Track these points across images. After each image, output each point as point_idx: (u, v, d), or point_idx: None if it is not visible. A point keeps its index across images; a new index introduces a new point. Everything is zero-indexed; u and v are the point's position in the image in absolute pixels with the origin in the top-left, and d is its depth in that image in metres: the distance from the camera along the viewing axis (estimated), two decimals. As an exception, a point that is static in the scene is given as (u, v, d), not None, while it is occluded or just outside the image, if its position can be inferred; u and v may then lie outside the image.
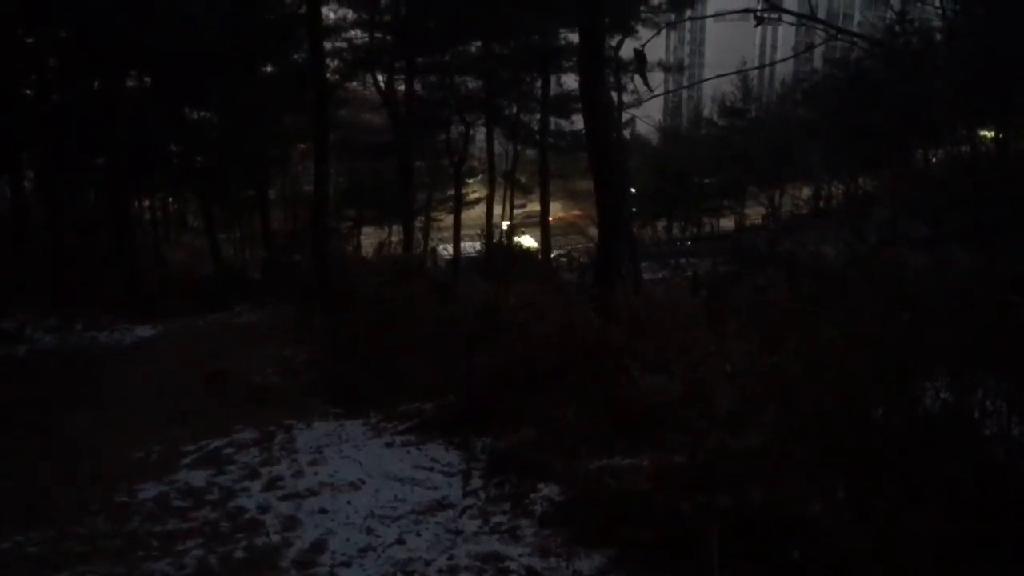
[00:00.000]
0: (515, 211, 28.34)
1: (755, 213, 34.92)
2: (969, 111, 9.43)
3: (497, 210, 24.36)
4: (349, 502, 4.45)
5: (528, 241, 28.00)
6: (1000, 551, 2.92)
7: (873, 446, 3.62)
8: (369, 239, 27.41)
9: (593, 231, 17.55)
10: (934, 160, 15.83)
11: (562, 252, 25.64)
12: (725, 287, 10.53)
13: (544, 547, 3.72)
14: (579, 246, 26.10)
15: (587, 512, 4.01)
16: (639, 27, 19.68)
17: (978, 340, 3.56)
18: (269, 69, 18.93)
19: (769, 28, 45.31)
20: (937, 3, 8.59)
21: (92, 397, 7.14)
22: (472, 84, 21.12)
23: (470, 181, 28.50)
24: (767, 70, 38.52)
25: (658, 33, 14.86)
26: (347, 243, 23.89)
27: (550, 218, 24.56)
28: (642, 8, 20.00)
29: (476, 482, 4.63)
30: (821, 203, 30.79)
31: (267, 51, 17.58)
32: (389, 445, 5.41)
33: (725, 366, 5.26)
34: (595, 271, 8.81)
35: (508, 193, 26.37)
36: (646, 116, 26.46)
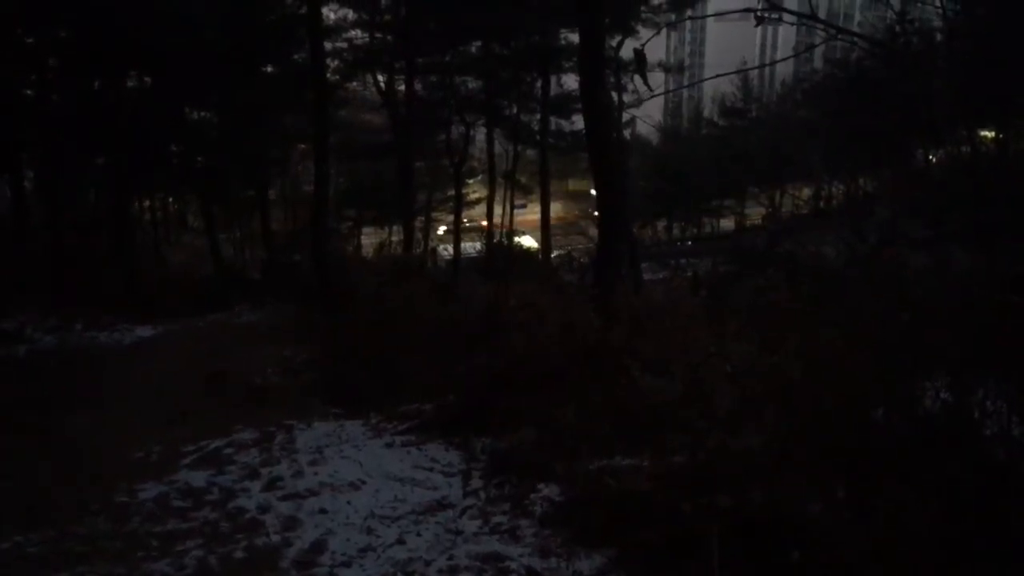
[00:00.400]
0: (515, 212, 28.35)
1: (755, 213, 34.93)
2: (969, 111, 9.42)
3: (497, 210, 24.37)
4: (349, 502, 4.46)
5: (528, 241, 28.01)
6: (1000, 551, 2.92)
7: (873, 446, 3.62)
8: (369, 239, 27.41)
9: (593, 231, 17.57)
10: (934, 160, 15.82)
11: (562, 252, 25.65)
12: (725, 287, 10.53)
13: (544, 547, 3.72)
14: (579, 246, 26.13)
15: (587, 512, 4.01)
16: (639, 27, 19.70)
17: (978, 340, 3.56)
18: (269, 69, 18.92)
19: (769, 28, 45.33)
20: (937, 3, 8.57)
21: (92, 397, 7.14)
22: (472, 84, 21.12)
23: (470, 181, 28.50)
24: (767, 70, 38.54)
25: (658, 33, 14.85)
26: (347, 243, 23.87)
27: (481, 223, 24.55)
28: (642, 8, 20.00)
29: (476, 482, 4.63)
30: (821, 203, 30.79)
31: (267, 51, 17.56)
32: (389, 445, 5.41)
33: (725, 366, 5.27)
34: (595, 271, 8.81)
35: (508, 193, 26.39)
36: (646, 116, 26.44)
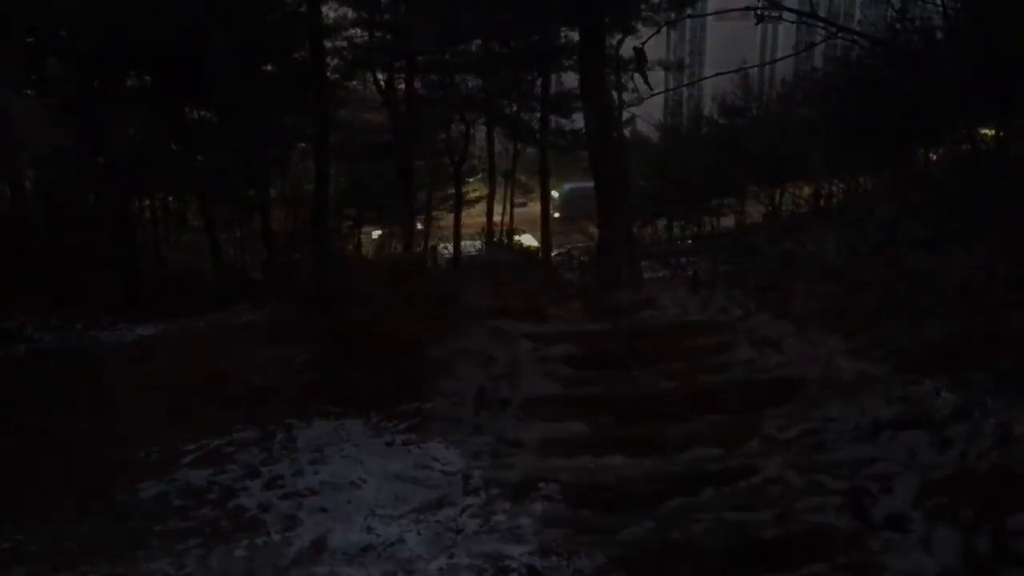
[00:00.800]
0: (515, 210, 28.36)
1: (755, 212, 34.86)
2: (969, 111, 9.41)
3: (498, 209, 24.41)
4: (349, 501, 4.45)
5: (528, 240, 28.02)
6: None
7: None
8: (369, 239, 27.40)
9: (593, 230, 17.57)
10: (934, 159, 15.80)
11: (562, 250, 25.66)
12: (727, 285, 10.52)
13: (545, 546, 3.71)
14: (579, 244, 26.13)
15: (588, 511, 4.01)
16: (639, 25, 19.70)
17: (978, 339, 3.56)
18: (269, 68, 18.91)
19: (770, 26, 45.23)
20: (938, 1, 8.56)
21: (92, 397, 7.12)
22: (472, 83, 21.14)
23: (470, 180, 28.52)
24: (767, 69, 38.45)
25: (658, 31, 14.79)
26: (347, 243, 23.85)
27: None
28: (642, 6, 20.01)
29: (477, 481, 4.62)
30: (822, 202, 30.73)
31: (267, 50, 17.55)
32: (389, 444, 5.40)
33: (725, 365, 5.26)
34: (595, 270, 8.81)
35: (508, 192, 26.40)
36: (646, 115, 26.44)
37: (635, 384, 5.87)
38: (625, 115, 20.47)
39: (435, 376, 6.42)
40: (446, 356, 6.74)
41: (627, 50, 18.20)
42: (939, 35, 10.64)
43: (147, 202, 23.44)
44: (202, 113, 18.96)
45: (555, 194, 39.54)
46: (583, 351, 6.69)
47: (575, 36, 17.04)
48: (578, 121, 20.22)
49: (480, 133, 23.30)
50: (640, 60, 6.99)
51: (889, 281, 5.53)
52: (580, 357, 6.57)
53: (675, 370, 5.93)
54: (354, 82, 21.01)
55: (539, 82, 21.52)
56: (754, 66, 37.46)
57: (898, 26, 11.35)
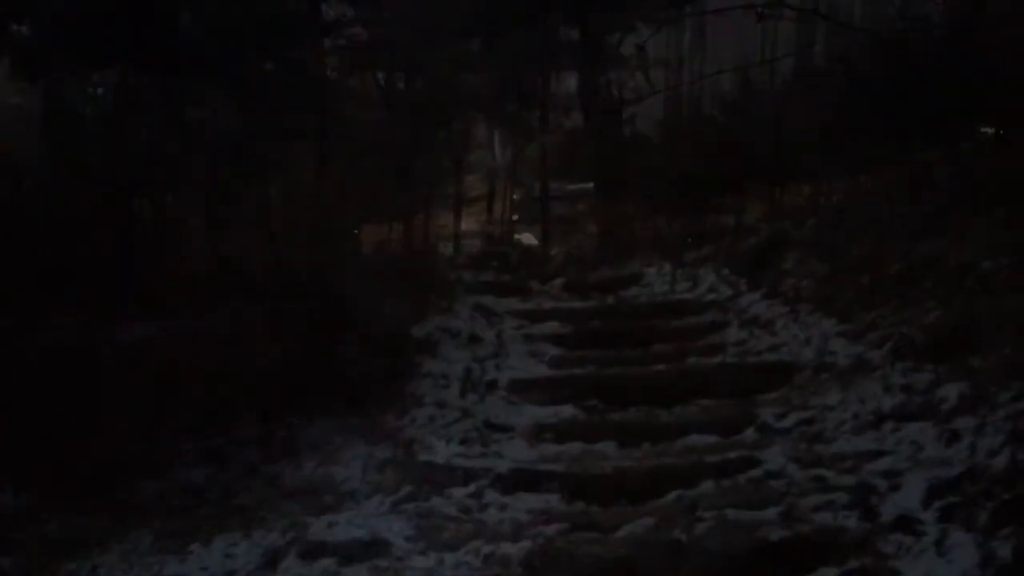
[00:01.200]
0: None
1: (756, 210, 34.80)
2: (969, 110, 9.37)
3: (498, 208, 24.36)
4: (351, 499, 4.45)
5: (528, 239, 27.96)
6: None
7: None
8: (369, 238, 27.36)
9: (593, 229, 17.52)
10: (934, 158, 15.73)
11: (562, 249, 25.60)
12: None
13: (546, 540, 3.71)
14: (581, 244, 26.03)
15: (583, 504, 4.02)
16: (639, 23, 19.65)
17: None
18: (269, 67, 18.84)
19: (770, 23, 45.06)
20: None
21: (92, 396, 7.10)
22: (472, 81, 21.09)
23: (470, 178, 28.45)
24: (768, 66, 38.35)
25: (659, 29, 14.77)
26: (347, 242, 23.80)
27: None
28: (642, 5, 19.95)
29: (467, 471, 4.60)
30: (821, 200, 30.68)
31: (267, 49, 17.49)
32: (389, 438, 5.41)
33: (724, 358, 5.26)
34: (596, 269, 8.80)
35: (509, 190, 26.35)
36: (646, 113, 26.33)
37: (625, 366, 5.81)
38: (625, 113, 20.40)
39: (424, 360, 6.41)
40: (432, 336, 6.70)
41: (627, 48, 18.17)
42: (939, 33, 10.61)
43: (147, 202, 23.41)
44: (201, 112, 18.90)
45: (516, 196, 39.30)
46: (570, 329, 6.64)
47: (575, 35, 17.01)
48: (578, 119, 20.18)
49: (480, 132, 23.22)
50: (641, 58, 7.00)
51: (886, 262, 5.45)
52: (567, 336, 6.52)
53: (665, 352, 5.85)
54: (354, 80, 20.91)
55: (539, 81, 21.46)
56: (754, 64, 37.41)
57: (899, 23, 11.30)
